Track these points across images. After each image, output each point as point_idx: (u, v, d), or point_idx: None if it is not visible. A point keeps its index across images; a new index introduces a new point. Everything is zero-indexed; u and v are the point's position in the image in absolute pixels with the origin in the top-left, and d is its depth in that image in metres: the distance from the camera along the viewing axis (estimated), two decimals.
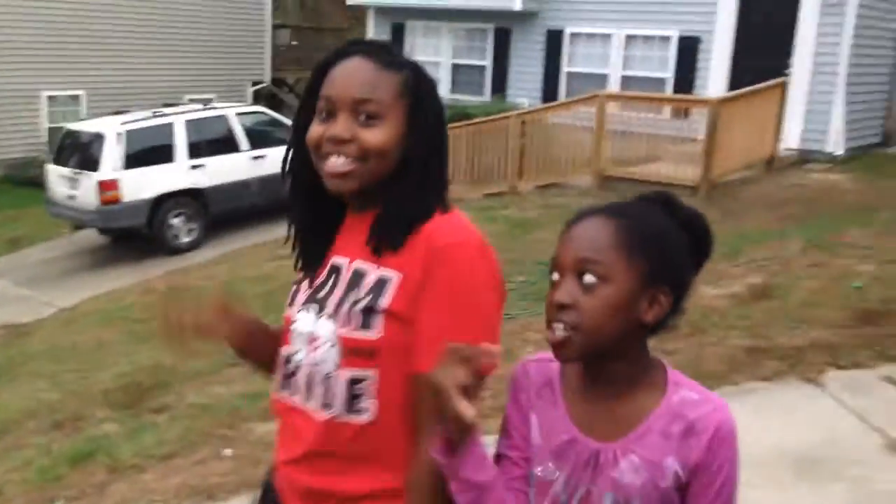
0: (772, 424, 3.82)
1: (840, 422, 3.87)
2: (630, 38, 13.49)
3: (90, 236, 12.12)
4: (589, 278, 1.24)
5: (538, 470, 1.34)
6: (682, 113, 10.86)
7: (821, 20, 11.56)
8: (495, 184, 11.65)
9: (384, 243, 1.40)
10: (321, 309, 1.45)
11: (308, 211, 1.52)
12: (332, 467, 1.42)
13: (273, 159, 11.83)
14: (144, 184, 10.89)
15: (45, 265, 11.39)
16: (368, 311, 1.37)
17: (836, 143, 11.71)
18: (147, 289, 9.31)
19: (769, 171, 10.93)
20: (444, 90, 15.61)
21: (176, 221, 11.24)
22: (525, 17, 14.41)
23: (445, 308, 1.35)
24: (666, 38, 13.11)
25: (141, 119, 11.35)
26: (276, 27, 21.81)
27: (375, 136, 1.38)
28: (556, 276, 1.28)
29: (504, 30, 14.88)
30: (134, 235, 11.39)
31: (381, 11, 16.38)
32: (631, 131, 10.71)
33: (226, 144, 11.83)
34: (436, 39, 15.96)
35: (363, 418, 1.40)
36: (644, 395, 1.30)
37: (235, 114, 12.28)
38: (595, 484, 1.29)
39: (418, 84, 1.43)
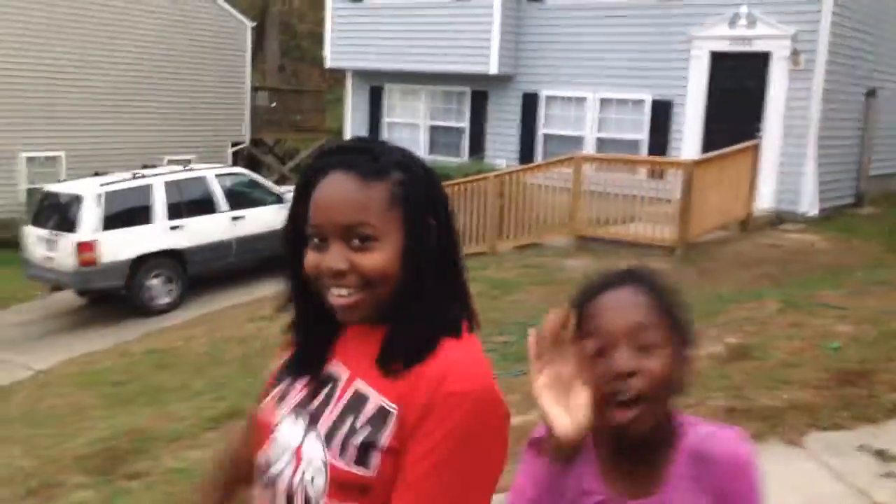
0: None
1: (823, 485, 3.88)
2: (605, 101, 13.76)
3: (67, 298, 12.00)
4: (649, 341, 1.28)
5: None
6: (657, 174, 11.03)
7: (790, 84, 11.87)
8: (474, 245, 11.72)
9: (398, 363, 1.27)
10: (311, 423, 1.32)
11: (311, 314, 1.39)
12: None
13: (252, 220, 11.87)
14: (123, 245, 10.85)
15: (22, 327, 11.24)
16: (367, 447, 1.24)
17: (809, 204, 11.93)
18: (124, 351, 9.21)
19: (744, 232, 11.09)
20: (422, 151, 15.79)
21: (154, 282, 11.18)
22: (501, 80, 14.68)
23: (444, 469, 1.21)
24: (640, 102, 13.38)
25: (120, 181, 11.36)
26: (255, 89, 22.04)
27: (374, 260, 1.26)
28: (596, 346, 1.28)
29: (481, 93, 15.13)
30: (112, 297, 11.30)
31: (360, 75, 16.62)
32: (607, 192, 10.86)
33: (205, 205, 11.84)
34: (414, 101, 16.19)
35: None
36: (661, 444, 1.33)
37: (215, 175, 12.33)
38: None
39: (410, 184, 1.30)
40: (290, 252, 1.36)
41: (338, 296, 1.28)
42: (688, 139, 12.78)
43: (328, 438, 1.28)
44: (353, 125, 17.07)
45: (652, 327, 1.28)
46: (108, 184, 11.17)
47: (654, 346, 1.27)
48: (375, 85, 16.49)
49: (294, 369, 1.41)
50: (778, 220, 11.86)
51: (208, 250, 11.57)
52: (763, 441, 4.33)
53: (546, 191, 11.27)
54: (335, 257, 1.26)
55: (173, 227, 11.40)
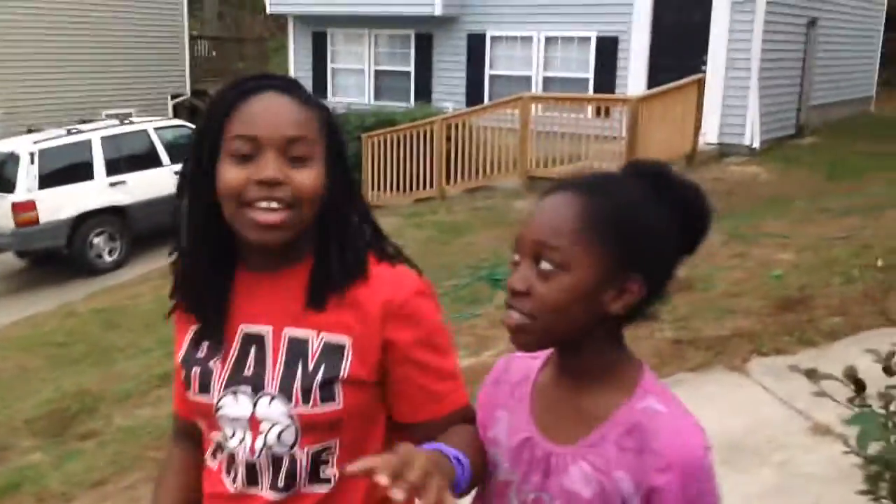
0: (699, 414, 3.88)
1: (765, 408, 3.97)
2: (550, 39, 13.67)
3: (7, 260, 11.70)
4: (545, 265, 1.12)
5: (501, 470, 1.24)
6: (603, 112, 11.04)
7: (732, 17, 11.89)
8: (423, 189, 11.66)
9: (326, 300, 1.29)
10: (257, 389, 1.30)
11: (208, 267, 1.33)
12: None
13: None
14: (62, 203, 10.58)
15: None
16: (327, 384, 1.27)
17: (752, 137, 12.07)
18: (69, 312, 9.04)
19: (690, 166, 11.19)
20: (368, 97, 15.58)
21: (98, 241, 10.95)
22: (445, 21, 14.47)
23: (430, 358, 1.32)
24: (585, 39, 13.32)
25: (55, 137, 11.03)
26: (193, 38, 21.44)
27: (310, 177, 1.25)
28: (516, 257, 1.16)
29: (426, 35, 14.91)
30: (54, 257, 11.05)
31: (302, 20, 16.25)
32: (555, 132, 10.85)
33: (147, 160, 11.58)
34: (358, 47, 15.90)
35: (325, 488, 1.31)
36: (607, 397, 1.16)
37: (155, 128, 12.03)
38: (545, 490, 1.18)
39: (333, 121, 1.34)
40: (196, 182, 1.29)
41: (266, 209, 1.23)
42: (634, 76, 12.78)
43: (284, 392, 1.27)
44: (296, 73, 16.72)
45: (558, 248, 1.10)
46: (42, 140, 10.83)
47: (556, 268, 1.11)
48: (318, 30, 16.14)
49: (198, 341, 1.36)
50: (722, 153, 11.99)
51: (151, 206, 11.32)
52: (708, 369, 4.42)
53: (494, 133, 11.22)
54: (270, 167, 1.23)
55: (114, 184, 11.14)
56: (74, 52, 18.05)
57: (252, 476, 1.31)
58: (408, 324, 1.29)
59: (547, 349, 1.22)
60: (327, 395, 1.26)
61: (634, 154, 9.96)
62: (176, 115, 18.54)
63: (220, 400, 1.31)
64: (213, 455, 1.38)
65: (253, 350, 1.31)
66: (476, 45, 14.37)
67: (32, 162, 10.45)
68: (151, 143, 11.72)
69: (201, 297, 1.35)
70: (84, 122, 12.42)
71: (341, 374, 1.27)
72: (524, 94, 11.52)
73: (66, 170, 10.78)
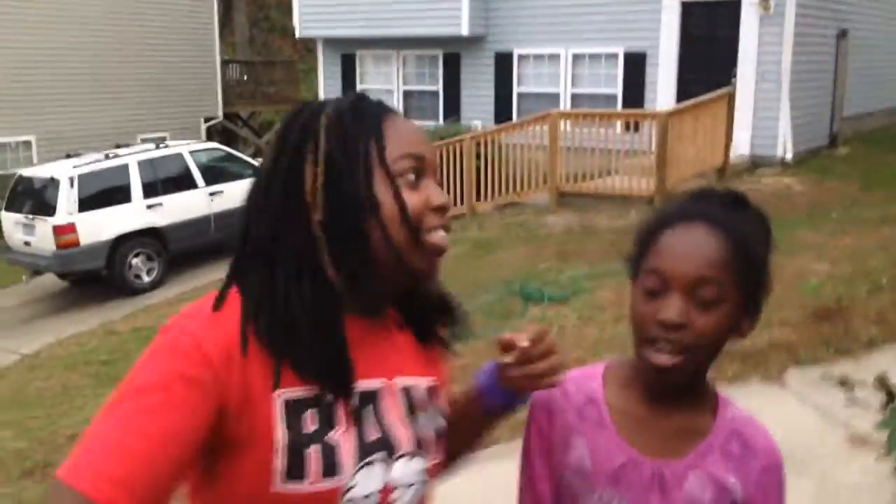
0: None
1: (803, 418, 3.96)
2: (577, 56, 13.72)
3: (49, 281, 11.94)
4: (708, 297, 1.13)
5: (594, 498, 1.25)
6: (632, 127, 11.05)
7: (761, 29, 11.87)
8: (454, 207, 11.73)
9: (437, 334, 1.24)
10: (392, 452, 1.10)
11: (333, 312, 1.08)
12: None
13: (230, 194, 11.80)
14: (101, 226, 10.79)
15: (6, 312, 11.19)
16: (441, 430, 1.20)
17: (784, 148, 12.00)
18: (110, 331, 9.20)
19: (722, 179, 11.14)
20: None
21: (136, 262, 11.14)
22: (473, 41, 14.58)
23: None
24: (613, 55, 13.34)
25: (94, 161, 11.26)
26: (225, 63, 21.79)
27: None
28: (656, 291, 1.16)
29: (453, 55, 15.04)
30: (94, 278, 11.26)
31: (331, 43, 16.46)
32: (584, 147, 10.87)
33: (182, 182, 11.77)
34: (387, 67, 16.07)
35: None
36: (699, 412, 1.25)
37: (189, 151, 12.23)
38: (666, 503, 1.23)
39: None
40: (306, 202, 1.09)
41: (436, 233, 1.13)
42: (662, 90, 12.78)
43: (421, 446, 1.14)
44: (326, 93, 16.92)
45: (714, 282, 1.13)
46: (81, 165, 11.06)
47: (712, 302, 1.13)
48: (347, 52, 16.34)
49: (299, 410, 1.04)
50: (754, 165, 11.92)
51: (187, 227, 11.51)
52: (745, 380, 4.42)
53: (523, 149, 11.27)
54: (439, 192, 1.14)
55: (150, 206, 11.33)
56: (111, 79, 18.43)
57: None
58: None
59: (686, 386, 1.22)
60: (441, 438, 1.19)
61: (665, 168, 9.96)
62: (209, 138, 18.84)
63: (356, 475, 1.06)
64: None
65: (368, 410, 1.10)
66: (503, 63, 14.46)
67: (72, 186, 10.67)
68: (186, 166, 11.92)
69: (324, 349, 1.06)
70: (120, 146, 12.66)
71: (442, 416, 1.21)
72: (552, 110, 11.56)
73: (104, 193, 10.99)
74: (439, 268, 1.15)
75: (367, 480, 1.07)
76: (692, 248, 1.15)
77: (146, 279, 11.23)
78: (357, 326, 1.11)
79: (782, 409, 4.09)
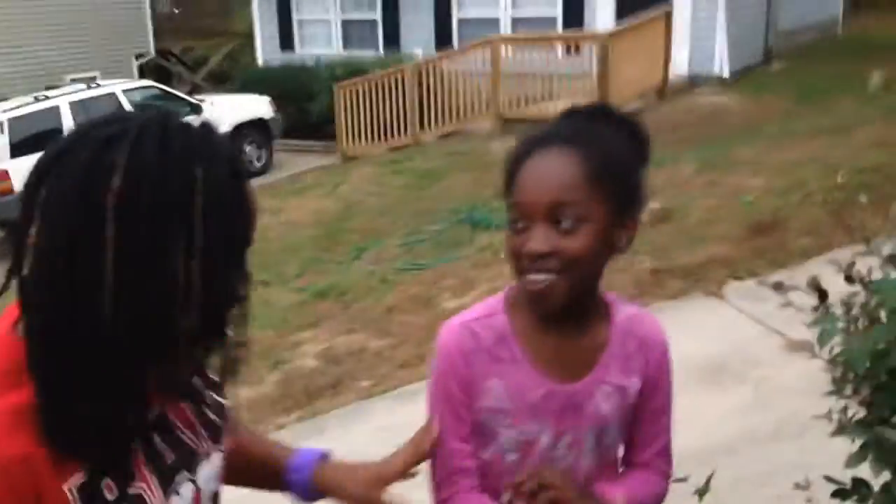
0: (678, 339, 4.00)
1: (742, 329, 4.13)
2: None
3: None
4: (567, 223, 1.14)
5: (516, 433, 1.26)
6: (573, 50, 11.03)
7: None
8: (398, 138, 11.66)
9: None
10: (193, 463, 1.08)
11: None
12: None
13: None
14: None
15: None
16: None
17: (722, 66, 12.11)
18: None
19: (661, 99, 11.25)
20: (336, 48, 15.41)
21: None
22: None
23: None
24: None
25: (23, 105, 10.89)
26: None
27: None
28: (520, 223, 1.17)
29: None
30: None
31: None
32: (525, 73, 10.84)
33: None
34: None
35: None
36: (597, 323, 1.28)
37: (123, 90, 11.90)
38: (579, 425, 1.26)
39: None
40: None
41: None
42: (601, 10, 12.72)
43: (217, 436, 1.13)
44: (261, 26, 16.49)
45: (572, 204, 1.13)
46: (10, 109, 10.70)
47: (576, 222, 1.13)
48: None
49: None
50: (693, 84, 12.03)
51: None
52: (687, 296, 4.57)
53: (465, 77, 11.19)
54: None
55: None
56: (35, 17, 17.67)
57: None
58: None
59: (569, 305, 1.20)
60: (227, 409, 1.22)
61: (606, 90, 10.00)
62: (142, 76, 18.28)
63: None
64: None
65: (156, 436, 1.05)
66: None
67: (2, 131, 10.34)
68: (120, 105, 11.59)
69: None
70: (49, 88, 12.25)
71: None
72: (493, 36, 11.46)
73: (36, 137, 10.62)
74: None
75: (180, 500, 1.03)
76: (545, 174, 1.15)
77: None
78: None
79: (722, 321, 4.26)
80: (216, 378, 1.13)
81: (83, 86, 11.94)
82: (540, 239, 1.13)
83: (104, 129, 0.91)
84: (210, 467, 1.10)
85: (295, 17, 15.95)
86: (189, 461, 1.06)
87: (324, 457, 1.30)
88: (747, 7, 12.55)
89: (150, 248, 0.86)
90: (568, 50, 11.15)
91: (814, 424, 1.82)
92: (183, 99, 12.50)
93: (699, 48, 12.10)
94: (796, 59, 13.37)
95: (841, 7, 17.30)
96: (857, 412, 1.50)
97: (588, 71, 10.45)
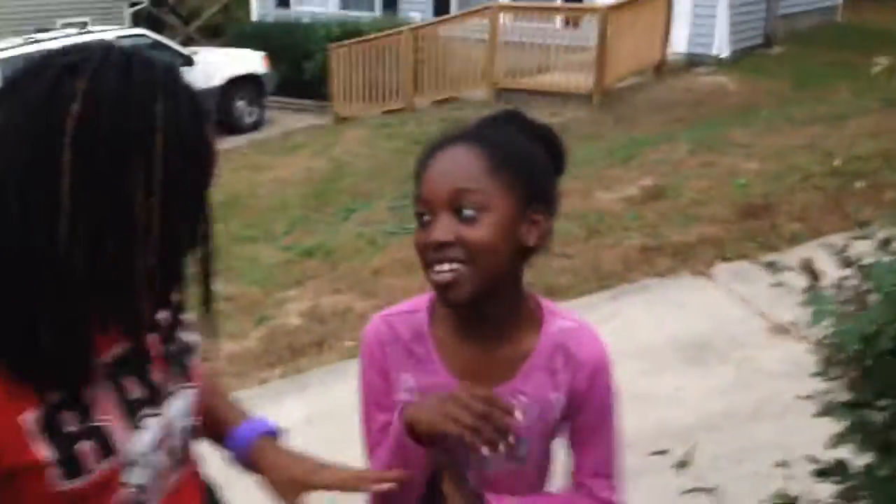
0: (664, 317, 4.07)
1: (728, 310, 4.15)
2: None
3: None
4: (468, 211, 1.14)
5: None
6: (572, 22, 10.94)
7: None
8: (392, 101, 11.57)
9: None
10: (158, 399, 1.08)
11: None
12: None
13: None
14: None
15: None
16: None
17: (721, 47, 12.05)
18: None
19: (658, 77, 11.20)
20: (333, 7, 15.24)
21: None
22: None
23: None
24: None
25: (13, 47, 10.71)
26: None
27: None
28: (426, 216, 1.17)
29: None
30: None
31: None
32: (524, 42, 10.75)
33: None
34: None
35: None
36: (524, 332, 1.25)
37: (115, 37, 11.71)
38: None
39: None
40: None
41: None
42: None
43: (184, 374, 1.14)
44: None
45: (476, 191, 1.14)
46: (0, 51, 10.53)
47: (478, 211, 1.13)
48: None
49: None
50: (691, 63, 11.98)
51: None
52: (675, 274, 4.58)
53: (462, 44, 11.09)
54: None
55: None
56: None
57: (162, 486, 1.12)
58: None
59: (478, 299, 1.17)
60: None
61: (604, 64, 9.95)
62: (135, 25, 18.01)
63: (132, 447, 1.07)
64: None
65: (126, 369, 1.07)
66: None
67: None
68: None
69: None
70: (40, 31, 12.05)
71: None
72: (492, 3, 11.35)
73: None
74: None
75: (145, 435, 1.04)
76: (446, 166, 1.17)
77: None
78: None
79: (708, 301, 4.27)
80: (188, 317, 1.13)
81: (74, 31, 11.75)
82: (442, 228, 1.14)
83: (65, 57, 0.90)
84: (179, 404, 1.10)
85: None
86: (155, 397, 1.06)
87: (270, 433, 1.27)
88: None
89: (107, 175, 0.86)
90: (567, 22, 11.06)
91: (794, 405, 1.84)
92: (175, 50, 12.33)
93: (699, 27, 12.03)
94: (795, 44, 13.33)
95: None
96: (840, 395, 1.51)
97: (586, 45, 10.38)
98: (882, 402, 1.41)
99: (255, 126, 12.49)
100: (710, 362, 3.68)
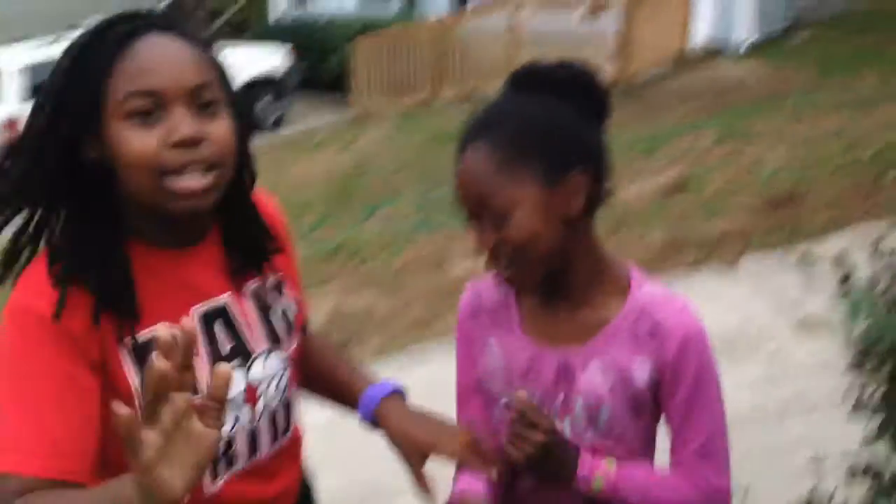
0: None
1: (756, 303, 4.10)
2: None
3: None
4: (496, 215, 1.14)
5: (507, 397, 1.26)
6: (595, 12, 10.85)
7: None
8: (414, 95, 11.56)
9: (260, 259, 1.26)
10: (246, 357, 1.20)
11: (114, 242, 1.10)
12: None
13: None
14: None
15: None
16: (293, 316, 1.32)
17: (745, 34, 11.91)
18: None
19: (682, 66, 11.09)
20: (350, 5, 15.23)
21: None
22: None
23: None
24: None
25: (44, 45, 10.82)
26: None
27: (225, 127, 1.09)
28: (470, 220, 1.19)
29: None
30: None
31: None
32: (545, 34, 10.69)
33: None
34: None
35: (297, 413, 1.34)
36: (607, 297, 1.23)
37: None
38: (569, 395, 1.23)
39: (221, 58, 1.16)
40: (59, 154, 1.06)
41: (191, 174, 1.05)
42: None
43: (274, 342, 1.24)
44: None
45: (495, 194, 1.13)
46: (30, 50, 10.62)
47: (505, 212, 1.13)
48: None
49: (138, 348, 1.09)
50: (715, 52, 11.85)
51: None
52: (701, 266, 4.53)
53: (484, 37, 11.05)
54: (186, 124, 1.04)
55: None
56: None
57: (253, 445, 1.22)
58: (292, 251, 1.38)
59: (546, 280, 1.20)
60: (295, 325, 1.30)
61: (626, 56, 9.88)
62: None
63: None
64: None
65: (219, 325, 1.18)
66: None
67: (21, 75, 10.29)
68: None
69: (118, 283, 1.09)
70: (71, 27, 12.13)
71: (294, 303, 1.31)
72: None
73: None
74: (205, 202, 1.09)
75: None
76: (464, 174, 1.16)
77: None
78: (155, 258, 1.13)
79: (736, 294, 4.22)
80: (286, 284, 1.30)
81: None
82: (482, 236, 1.16)
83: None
84: (269, 365, 1.22)
85: None
86: (244, 354, 1.19)
87: (396, 392, 1.35)
88: None
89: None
90: (589, 13, 10.96)
91: (824, 401, 1.81)
92: None
93: (721, 16, 11.89)
94: (820, 31, 13.13)
95: None
96: (874, 391, 1.48)
97: (608, 36, 10.30)
98: None
99: (278, 123, 12.53)
100: (738, 357, 3.63)
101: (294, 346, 1.29)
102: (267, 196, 1.34)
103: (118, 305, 1.07)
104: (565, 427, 1.24)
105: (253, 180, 1.24)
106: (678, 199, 5.52)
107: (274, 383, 1.23)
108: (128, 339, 1.07)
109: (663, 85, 10.33)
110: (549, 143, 1.14)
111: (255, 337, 1.21)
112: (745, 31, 11.90)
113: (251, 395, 1.20)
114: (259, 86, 12.26)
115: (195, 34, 1.11)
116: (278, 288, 1.28)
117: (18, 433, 1.00)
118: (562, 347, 1.23)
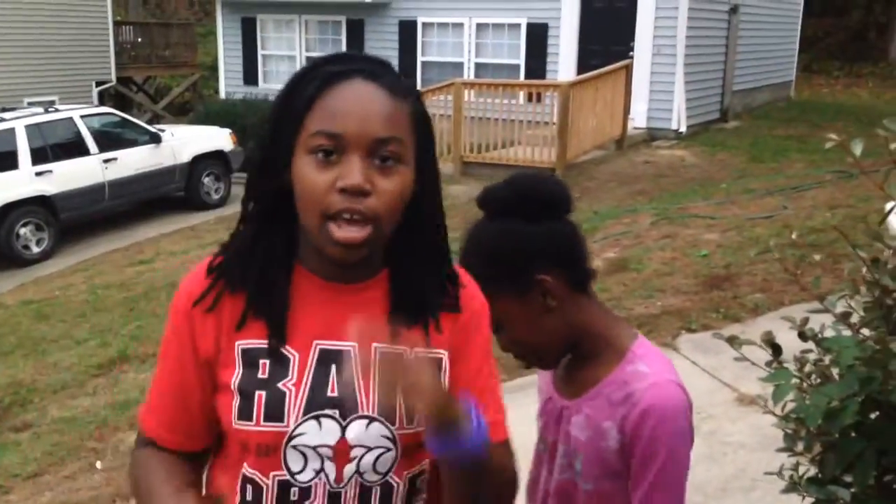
0: None
1: (693, 381, 4.15)
2: (481, 26, 13.76)
3: None
4: (496, 327, 1.33)
5: (540, 424, 1.51)
6: (535, 98, 11.19)
7: (657, 3, 12.15)
8: None
9: (423, 315, 1.18)
10: (348, 413, 1.14)
11: (278, 259, 1.17)
12: None
13: (125, 162, 11.40)
14: None
15: None
16: None
17: (679, 121, 12.38)
18: None
19: (620, 150, 11.44)
20: None
21: (24, 231, 10.63)
22: (377, 7, 14.43)
23: (486, 368, 1.24)
24: (515, 26, 13.44)
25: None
26: (117, 24, 20.89)
27: (396, 184, 1.09)
28: None
29: (357, 21, 14.85)
30: None
31: (230, 5, 16.00)
32: (487, 117, 10.96)
33: (73, 148, 11.26)
34: (289, 32, 15.74)
35: None
36: (605, 363, 1.36)
37: (81, 115, 11.71)
38: (559, 434, 1.42)
39: (425, 113, 1.16)
40: (266, 170, 1.15)
41: (349, 222, 1.07)
42: (564, 61, 12.97)
43: (385, 413, 1.14)
44: (226, 59, 16.50)
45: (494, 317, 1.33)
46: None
47: (502, 326, 1.37)
48: (247, 16, 15.92)
49: (256, 357, 1.15)
50: (651, 137, 12.28)
51: (79, 195, 11.05)
52: None
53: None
54: (356, 172, 1.06)
55: (39, 173, 10.82)
56: None
57: None
58: (479, 328, 1.24)
59: (560, 358, 1.46)
60: None
61: (567, 138, 10.15)
62: (101, 103, 18.09)
63: (297, 427, 1.13)
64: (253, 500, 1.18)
65: (333, 369, 1.15)
66: (408, 31, 14.37)
67: None
68: (78, 131, 11.41)
69: (270, 296, 1.16)
70: (6, 110, 12.03)
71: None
72: (456, 79, 11.59)
73: None
74: (357, 257, 1.11)
75: (318, 432, 1.13)
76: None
77: (35, 250, 10.74)
78: (318, 289, 1.17)
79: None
80: (448, 371, 1.22)
81: (41, 109, 11.75)
82: (502, 342, 1.44)
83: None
84: (369, 433, 1.14)
85: (260, 51, 15.98)
86: (342, 408, 1.14)
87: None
88: (704, 65, 12.89)
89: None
90: (530, 98, 11.31)
91: (763, 480, 1.83)
92: (142, 127, 12.37)
93: (658, 102, 12.38)
94: (750, 119, 13.74)
95: (794, 70, 17.85)
96: (809, 469, 1.50)
97: (549, 119, 10.60)
98: (848, 478, 1.41)
99: (222, 202, 12.49)
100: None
101: (417, 430, 1.13)
102: (476, 287, 1.27)
103: (268, 316, 1.15)
104: (549, 466, 1.46)
105: (438, 229, 1.21)
106: (618, 279, 5.62)
107: (372, 455, 1.15)
108: (241, 342, 1.15)
109: (603, 168, 10.62)
110: (505, 263, 1.34)
111: (360, 398, 1.14)
112: (679, 118, 12.37)
113: (342, 453, 1.14)
114: (203, 164, 12.26)
115: (403, 89, 1.12)
116: (433, 365, 1.14)
117: (149, 398, 1.23)
118: (564, 397, 1.43)
